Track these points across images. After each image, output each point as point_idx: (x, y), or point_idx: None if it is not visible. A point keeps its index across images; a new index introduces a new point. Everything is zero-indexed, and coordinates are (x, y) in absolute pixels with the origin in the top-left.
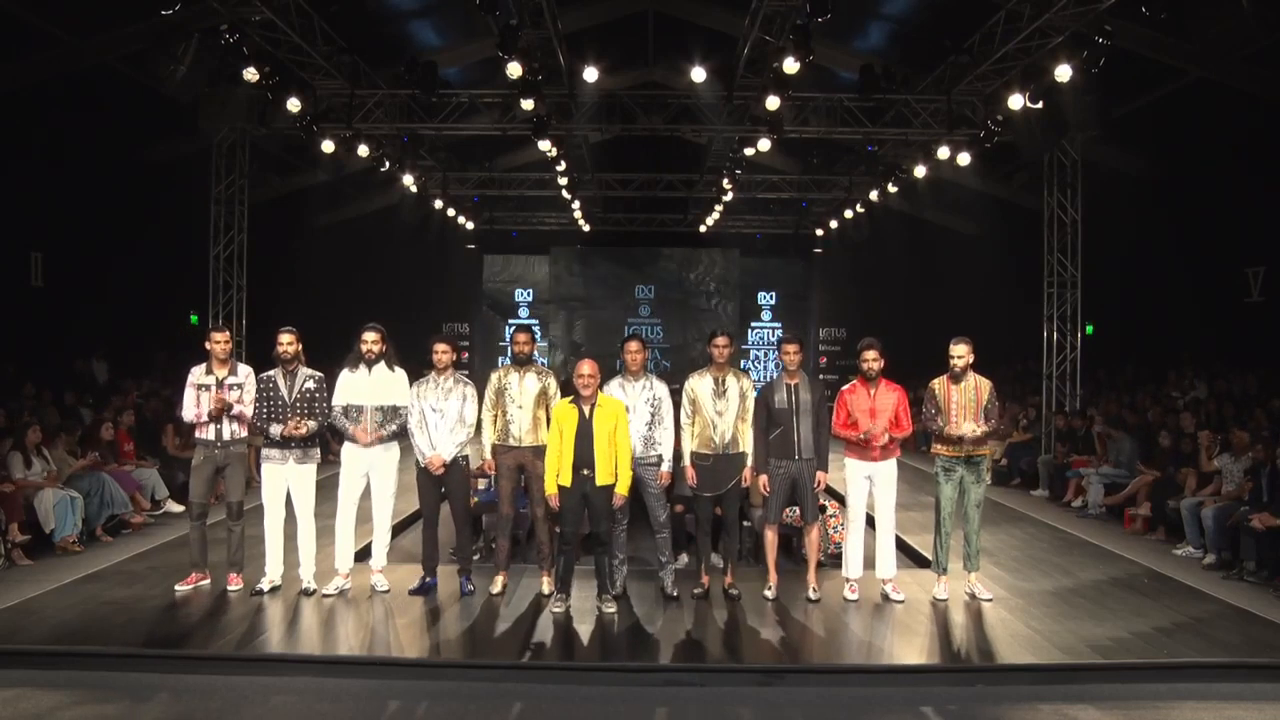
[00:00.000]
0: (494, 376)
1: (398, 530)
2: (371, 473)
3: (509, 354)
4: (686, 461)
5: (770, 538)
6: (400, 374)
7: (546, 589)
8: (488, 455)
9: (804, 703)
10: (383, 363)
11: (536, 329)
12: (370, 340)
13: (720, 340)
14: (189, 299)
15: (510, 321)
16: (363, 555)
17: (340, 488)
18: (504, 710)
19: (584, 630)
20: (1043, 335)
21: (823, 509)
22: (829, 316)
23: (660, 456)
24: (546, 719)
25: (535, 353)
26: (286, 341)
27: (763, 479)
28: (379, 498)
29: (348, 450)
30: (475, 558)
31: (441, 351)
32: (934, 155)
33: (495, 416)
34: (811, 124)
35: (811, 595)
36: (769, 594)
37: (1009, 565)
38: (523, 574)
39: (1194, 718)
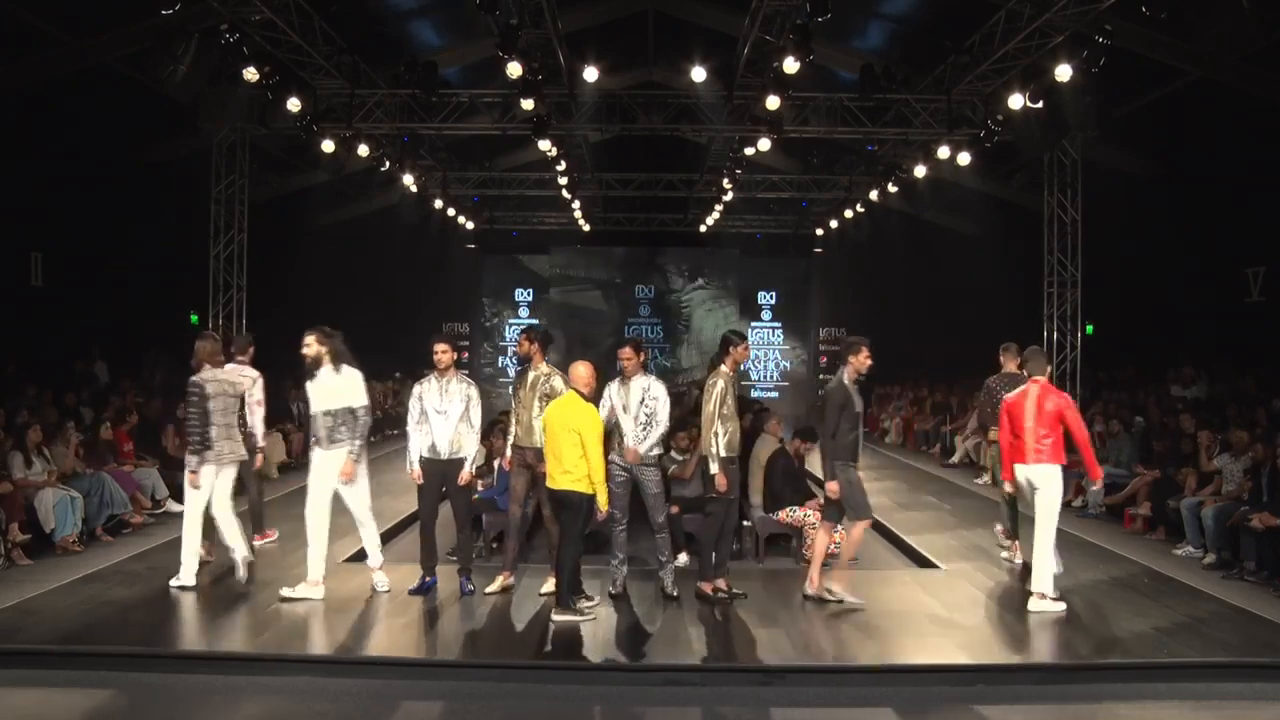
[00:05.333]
0: (515, 377)
1: (397, 530)
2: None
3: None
4: (715, 469)
5: (824, 539)
6: (347, 373)
7: (548, 588)
8: (507, 453)
9: (804, 703)
10: (328, 366)
11: (545, 330)
12: (304, 344)
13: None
14: (189, 299)
15: (510, 322)
16: (361, 556)
17: (309, 494)
18: (504, 710)
19: (584, 630)
20: (1043, 335)
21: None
22: (829, 316)
23: (657, 456)
24: (546, 719)
25: (535, 353)
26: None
27: (834, 485)
28: (354, 498)
29: (313, 455)
30: (475, 558)
31: (441, 352)
32: (934, 155)
33: (516, 416)
34: (811, 124)
35: (808, 591)
36: (819, 593)
37: (1009, 565)
38: (523, 574)
39: (1194, 718)
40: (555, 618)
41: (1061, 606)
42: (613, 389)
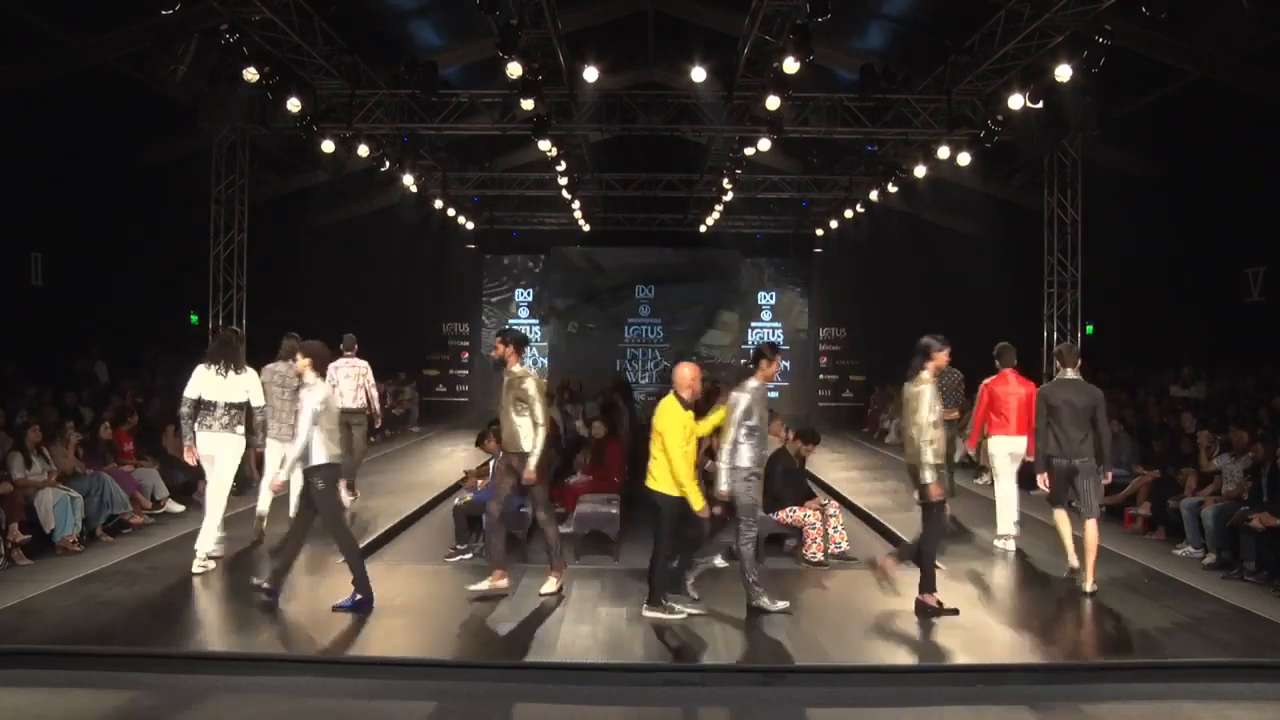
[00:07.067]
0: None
1: (396, 531)
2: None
3: None
4: (931, 478)
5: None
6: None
7: (548, 588)
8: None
9: (804, 703)
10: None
11: (536, 330)
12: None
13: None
14: (189, 299)
15: (510, 322)
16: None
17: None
18: (504, 710)
19: (584, 630)
20: (1043, 335)
21: (823, 507)
22: (829, 316)
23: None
24: (546, 719)
25: (509, 356)
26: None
27: (1044, 476)
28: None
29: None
30: (467, 556)
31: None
32: (934, 155)
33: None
34: (811, 124)
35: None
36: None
37: (1010, 565)
38: (523, 574)
39: (1194, 718)
40: (646, 614)
41: (1012, 546)
42: (753, 390)
